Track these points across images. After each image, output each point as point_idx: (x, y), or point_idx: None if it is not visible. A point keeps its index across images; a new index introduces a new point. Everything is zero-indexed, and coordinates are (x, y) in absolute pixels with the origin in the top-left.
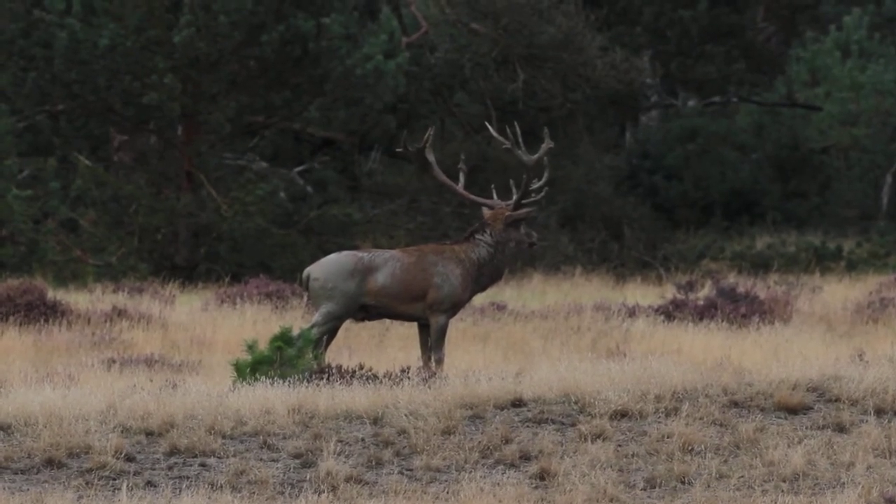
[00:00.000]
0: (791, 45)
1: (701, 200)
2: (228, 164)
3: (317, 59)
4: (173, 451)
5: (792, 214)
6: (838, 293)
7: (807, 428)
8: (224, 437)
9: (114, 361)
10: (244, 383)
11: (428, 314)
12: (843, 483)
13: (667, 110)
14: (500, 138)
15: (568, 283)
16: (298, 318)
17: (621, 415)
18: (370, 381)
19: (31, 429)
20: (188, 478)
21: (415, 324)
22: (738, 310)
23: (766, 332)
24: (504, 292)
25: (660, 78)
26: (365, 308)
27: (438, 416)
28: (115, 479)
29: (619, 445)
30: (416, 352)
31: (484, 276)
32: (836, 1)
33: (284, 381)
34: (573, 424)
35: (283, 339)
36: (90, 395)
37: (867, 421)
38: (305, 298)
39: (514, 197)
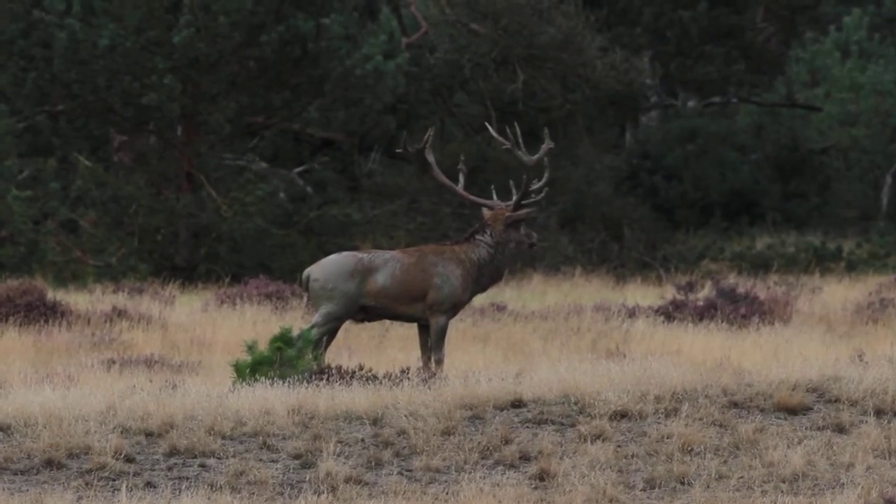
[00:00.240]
0: (791, 46)
1: (701, 201)
2: (228, 165)
3: (316, 60)
4: (173, 452)
5: (792, 215)
6: (838, 294)
7: (806, 428)
8: (224, 437)
9: (113, 362)
10: (244, 384)
11: (428, 315)
12: (843, 484)
13: (666, 111)
14: (500, 139)
15: (568, 284)
16: (298, 319)
17: (621, 415)
18: (370, 382)
19: (30, 429)
20: (188, 478)
21: (414, 324)
22: (737, 310)
23: (765, 332)
24: (504, 293)
25: (659, 78)
26: (365, 309)
27: (438, 416)
28: (114, 480)
29: (619, 446)
30: (415, 352)
31: (484, 277)
32: (835, 1)
33: (284, 382)
34: (573, 425)
35: (283, 340)
36: (90, 395)
37: (867, 421)
38: (305, 299)
39: (514, 197)
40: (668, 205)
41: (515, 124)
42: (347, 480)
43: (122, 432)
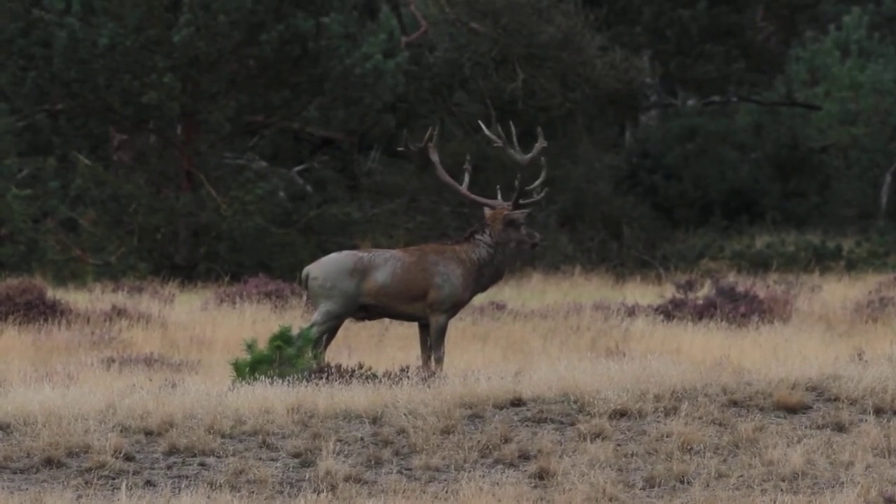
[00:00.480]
0: (790, 45)
1: (700, 200)
2: (228, 164)
3: (316, 59)
4: (172, 451)
5: (791, 214)
6: (838, 292)
7: (806, 427)
8: (223, 436)
9: (113, 361)
10: (243, 383)
11: (428, 314)
12: (843, 482)
13: (666, 110)
14: (493, 137)
15: (567, 283)
16: (298, 318)
17: (620, 414)
18: (369, 381)
19: (30, 428)
20: (187, 477)
21: (414, 323)
22: (737, 309)
23: (765, 331)
24: (503, 292)
25: (659, 77)
26: (365, 308)
27: (438, 415)
28: (114, 479)
29: (619, 445)
30: (415, 351)
31: (484, 277)
32: (835, 0)
33: (283, 381)
34: (572, 424)
35: (283, 339)
36: (89, 394)
37: (866, 420)
38: (305, 298)
39: (513, 197)
40: (667, 204)
41: (511, 123)
42: (347, 479)
43: (121, 431)
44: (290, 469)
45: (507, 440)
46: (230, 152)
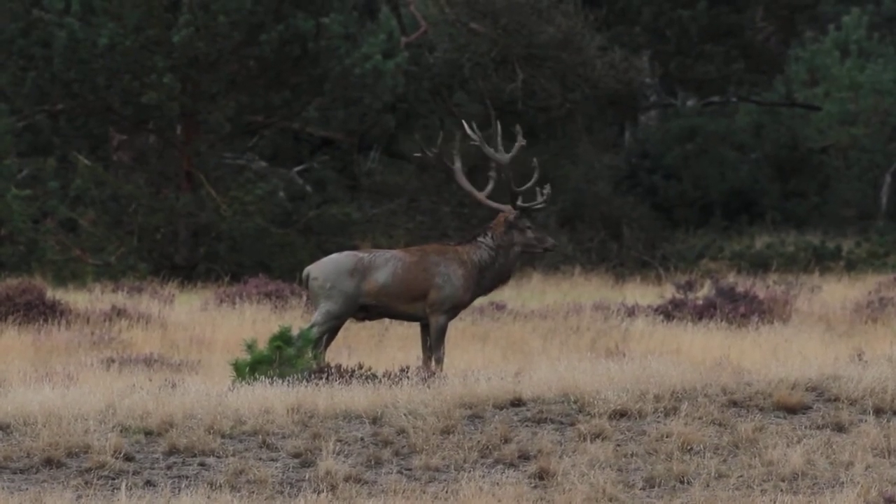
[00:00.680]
0: (790, 45)
1: (700, 200)
2: (228, 164)
3: (316, 59)
4: (172, 451)
5: (791, 214)
6: (837, 293)
7: (806, 427)
8: (223, 436)
9: (113, 361)
10: (243, 383)
11: (428, 314)
12: (842, 482)
13: (666, 110)
14: (473, 135)
15: (567, 283)
16: (297, 318)
17: (620, 414)
18: (369, 381)
19: (30, 428)
20: (187, 477)
21: (414, 323)
22: (737, 309)
23: (765, 331)
24: (503, 292)
25: (659, 77)
26: (365, 308)
27: (437, 415)
28: (114, 479)
29: (618, 445)
30: (415, 351)
31: (486, 279)
32: (835, 1)
33: (283, 381)
34: (572, 424)
35: (283, 339)
36: (89, 394)
37: (866, 420)
38: (306, 298)
39: (519, 201)
40: (667, 204)
41: (497, 122)
42: (347, 479)
43: (121, 431)
44: (290, 469)
45: (506, 440)
46: (230, 152)
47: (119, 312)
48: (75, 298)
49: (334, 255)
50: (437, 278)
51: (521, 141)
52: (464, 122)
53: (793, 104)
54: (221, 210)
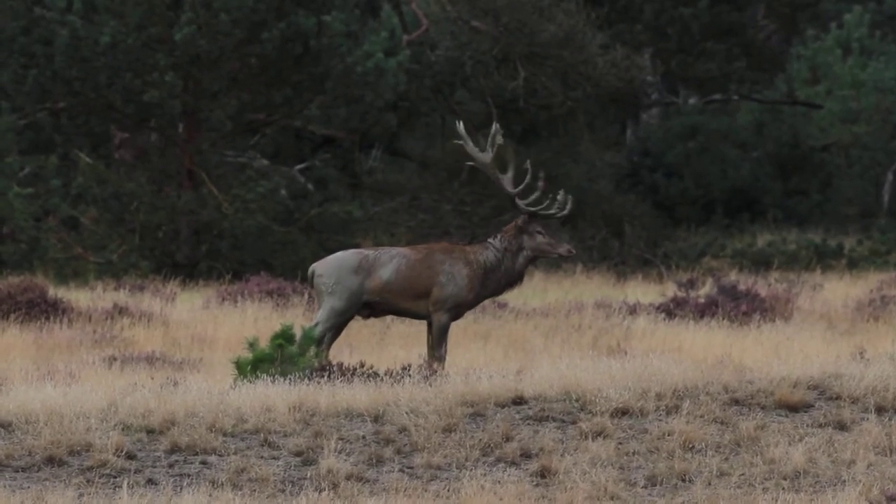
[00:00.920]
0: (792, 43)
1: (702, 198)
2: (229, 162)
3: (318, 57)
4: (174, 449)
5: (793, 212)
6: (839, 291)
7: (808, 426)
8: (225, 434)
9: (115, 359)
10: (245, 381)
11: (431, 312)
12: (844, 481)
13: (667, 108)
14: (461, 132)
15: (569, 281)
16: (299, 316)
17: (622, 413)
18: (371, 379)
19: (31, 426)
20: (189, 475)
21: (415, 321)
22: (738, 307)
23: (766, 329)
24: None
25: (660, 75)
26: (370, 305)
27: (439, 413)
28: (115, 477)
29: (620, 443)
30: (417, 349)
31: (491, 281)
32: None
33: (285, 379)
34: (574, 422)
35: (284, 337)
36: (91, 392)
37: (868, 419)
38: (308, 296)
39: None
40: (668, 202)
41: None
42: (348, 477)
43: (123, 429)
44: (292, 467)
45: (508, 438)
46: (232, 150)
47: (121, 310)
48: (77, 296)
49: (339, 253)
50: (440, 276)
51: (499, 139)
52: (457, 121)
53: (794, 102)
54: (223, 208)
